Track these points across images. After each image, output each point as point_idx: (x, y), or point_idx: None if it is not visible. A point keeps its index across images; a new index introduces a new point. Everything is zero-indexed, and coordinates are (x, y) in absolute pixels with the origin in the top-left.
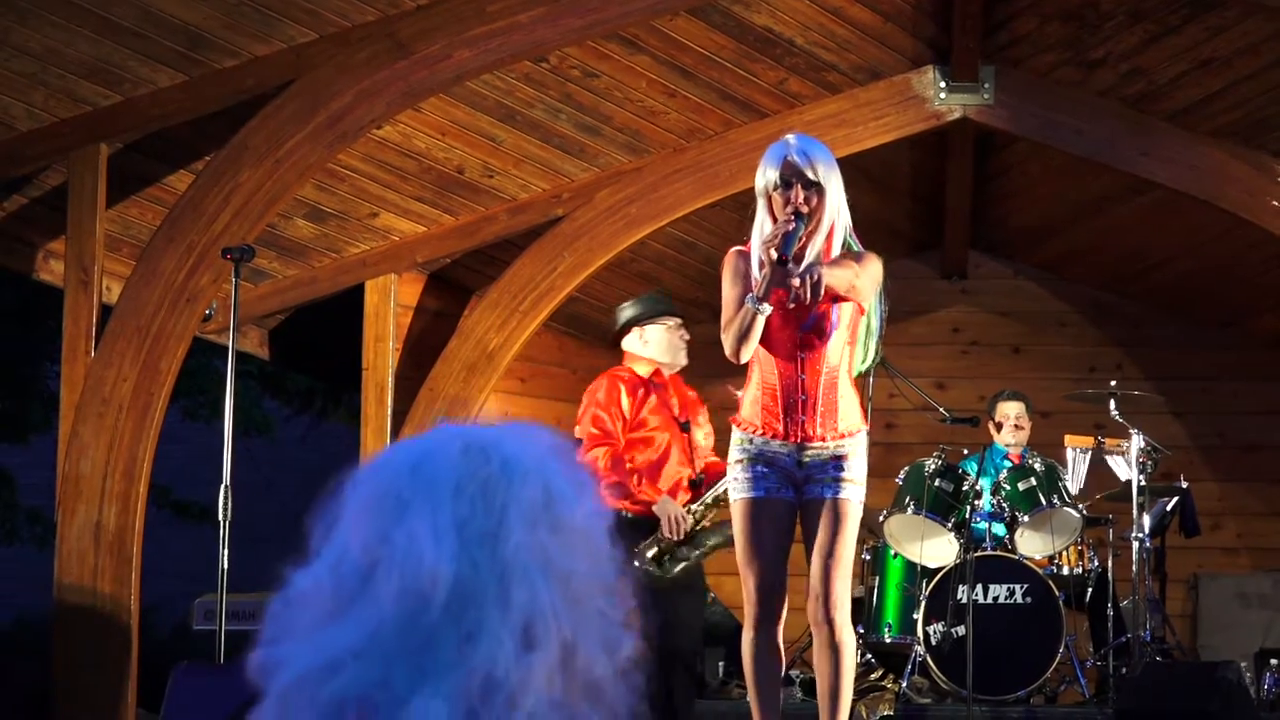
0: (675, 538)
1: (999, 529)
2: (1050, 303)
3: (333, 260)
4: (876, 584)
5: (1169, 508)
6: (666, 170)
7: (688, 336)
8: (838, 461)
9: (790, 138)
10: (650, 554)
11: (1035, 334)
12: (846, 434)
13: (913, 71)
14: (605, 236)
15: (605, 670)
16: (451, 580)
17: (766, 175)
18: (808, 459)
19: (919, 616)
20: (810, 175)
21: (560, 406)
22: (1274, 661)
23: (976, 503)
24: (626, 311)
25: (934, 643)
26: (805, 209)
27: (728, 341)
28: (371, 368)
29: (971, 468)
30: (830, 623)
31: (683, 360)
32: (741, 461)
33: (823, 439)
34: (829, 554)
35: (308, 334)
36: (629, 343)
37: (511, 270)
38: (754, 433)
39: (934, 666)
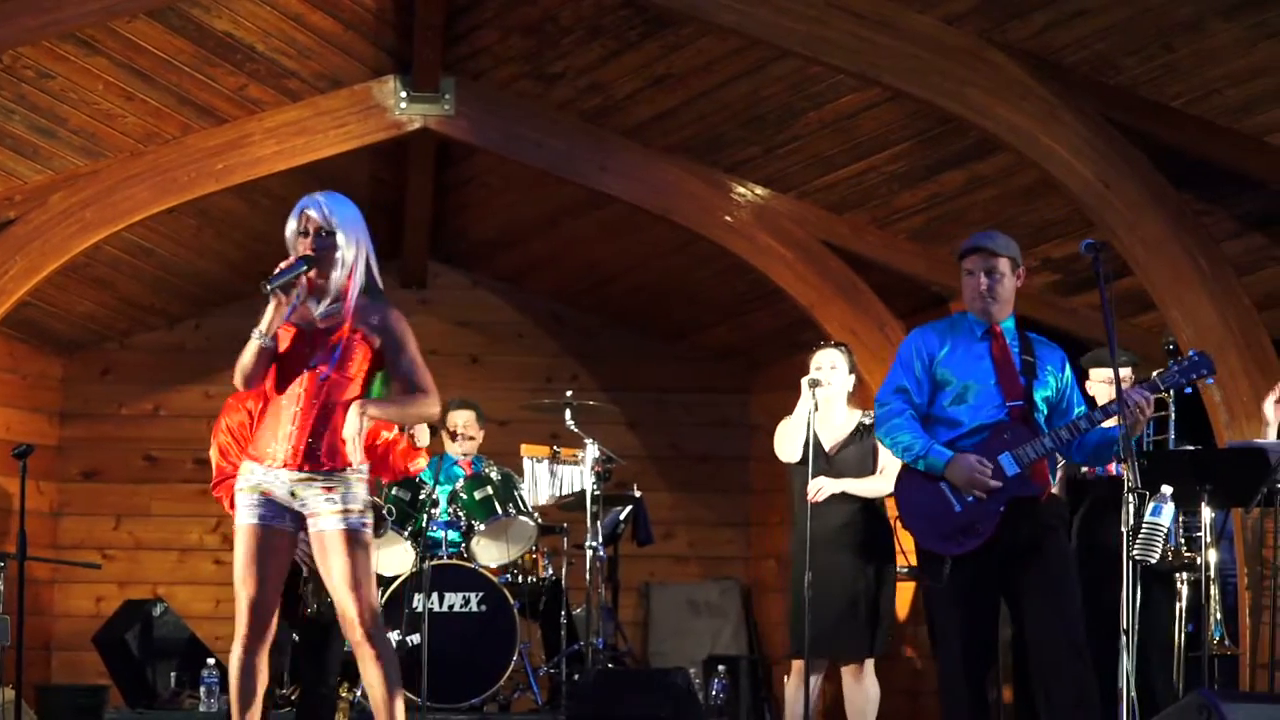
0: None
1: (455, 537)
2: (508, 313)
3: None
4: None
5: (623, 516)
6: (123, 174)
7: None
8: (344, 492)
9: (317, 195)
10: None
11: (493, 344)
12: (346, 463)
13: (374, 80)
14: (59, 240)
15: None
16: None
17: (290, 225)
18: (307, 490)
19: None
20: (325, 226)
21: (9, 413)
22: (721, 668)
23: (433, 511)
24: None
25: None
26: (311, 253)
27: (237, 372)
28: None
29: (427, 476)
30: (369, 640)
31: None
32: (244, 490)
33: (324, 467)
34: (352, 581)
35: None
36: None
37: None
38: (256, 460)
39: None
